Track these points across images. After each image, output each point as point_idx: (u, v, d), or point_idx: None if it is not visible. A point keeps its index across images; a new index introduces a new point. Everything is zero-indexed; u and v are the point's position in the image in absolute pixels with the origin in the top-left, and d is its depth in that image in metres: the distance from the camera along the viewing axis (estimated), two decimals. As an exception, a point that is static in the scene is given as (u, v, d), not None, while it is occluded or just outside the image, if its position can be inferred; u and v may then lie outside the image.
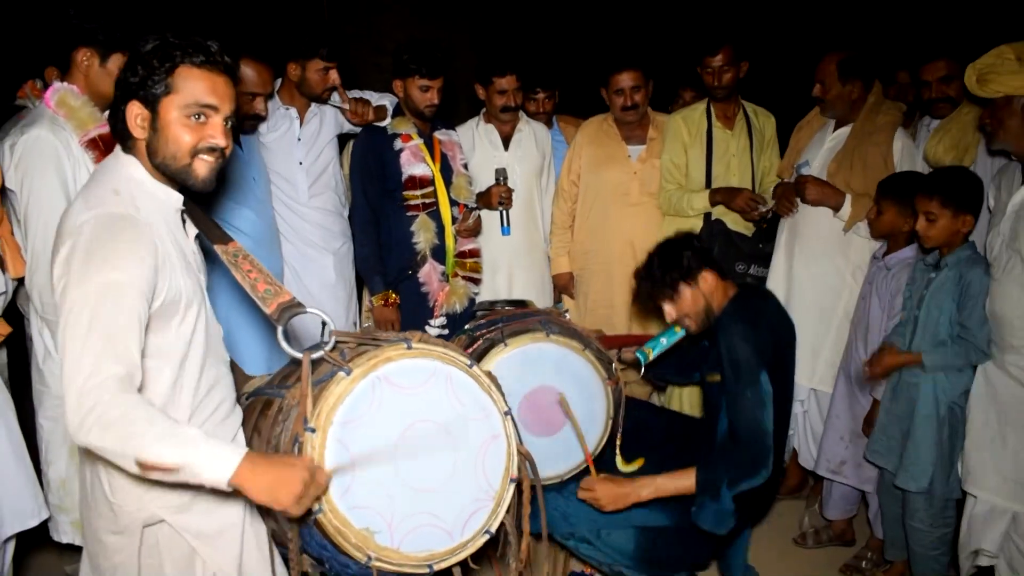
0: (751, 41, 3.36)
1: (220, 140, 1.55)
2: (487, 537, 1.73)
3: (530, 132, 3.53)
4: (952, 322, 2.46)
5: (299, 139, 3.05)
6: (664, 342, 2.67)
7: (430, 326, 3.16)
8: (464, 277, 3.24)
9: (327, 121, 3.14)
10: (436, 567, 1.65)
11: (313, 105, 3.08)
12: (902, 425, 2.57)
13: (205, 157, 1.54)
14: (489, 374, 1.79)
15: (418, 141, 3.13)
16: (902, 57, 3.78)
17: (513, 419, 1.79)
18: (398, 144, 3.11)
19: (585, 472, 2.34)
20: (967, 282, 2.41)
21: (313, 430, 1.55)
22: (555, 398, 2.29)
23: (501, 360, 2.23)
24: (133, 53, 1.52)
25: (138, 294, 1.41)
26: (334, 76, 2.99)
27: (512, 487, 1.76)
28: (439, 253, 3.17)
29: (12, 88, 2.49)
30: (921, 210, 2.48)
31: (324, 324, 1.66)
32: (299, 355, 1.60)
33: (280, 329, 1.57)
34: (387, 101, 3.21)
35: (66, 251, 1.41)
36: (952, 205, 2.43)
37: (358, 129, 3.19)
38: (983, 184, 2.54)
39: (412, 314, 3.14)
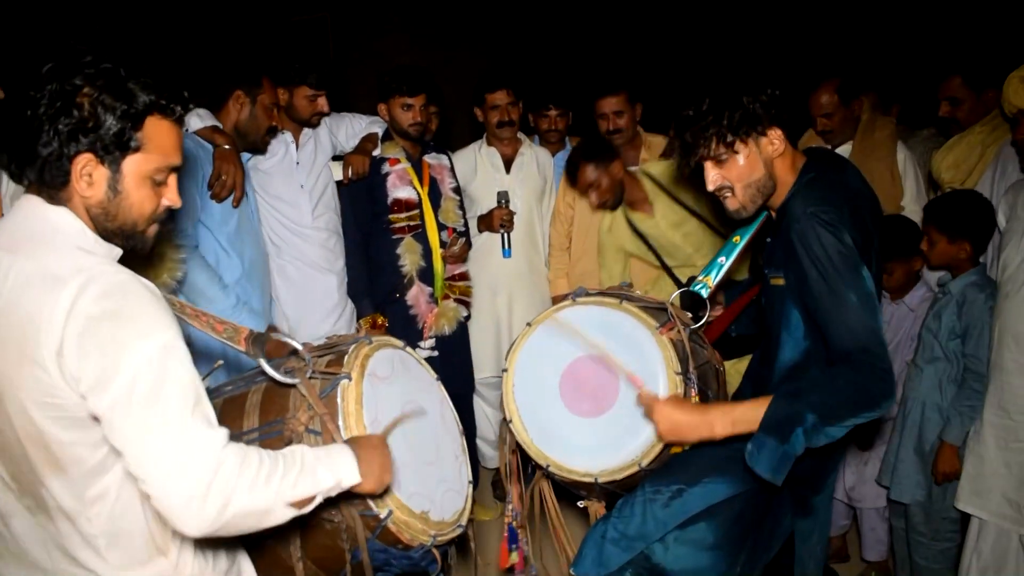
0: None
1: (177, 201, 1.31)
2: (471, 485, 1.89)
3: (532, 156, 3.54)
4: (945, 340, 2.47)
5: (298, 163, 3.06)
6: (723, 261, 1.99)
7: (419, 348, 3.13)
8: (455, 300, 3.24)
9: (322, 142, 3.15)
10: (463, 523, 1.78)
11: (306, 128, 3.10)
12: (896, 439, 2.61)
13: (157, 223, 1.31)
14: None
15: (405, 165, 3.15)
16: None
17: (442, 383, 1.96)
18: (385, 168, 3.13)
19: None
20: (967, 310, 2.42)
21: None
22: (594, 365, 1.89)
23: (525, 343, 2.04)
24: (77, 84, 1.16)
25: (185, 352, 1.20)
26: (322, 103, 3.00)
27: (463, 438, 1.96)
28: (427, 275, 3.17)
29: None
30: (925, 234, 2.54)
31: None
32: (293, 381, 1.58)
33: (263, 361, 1.53)
34: (378, 127, 3.23)
35: (74, 336, 1.11)
36: (947, 232, 2.46)
37: (351, 150, 3.19)
38: (990, 210, 2.49)
39: (401, 336, 3.07)
